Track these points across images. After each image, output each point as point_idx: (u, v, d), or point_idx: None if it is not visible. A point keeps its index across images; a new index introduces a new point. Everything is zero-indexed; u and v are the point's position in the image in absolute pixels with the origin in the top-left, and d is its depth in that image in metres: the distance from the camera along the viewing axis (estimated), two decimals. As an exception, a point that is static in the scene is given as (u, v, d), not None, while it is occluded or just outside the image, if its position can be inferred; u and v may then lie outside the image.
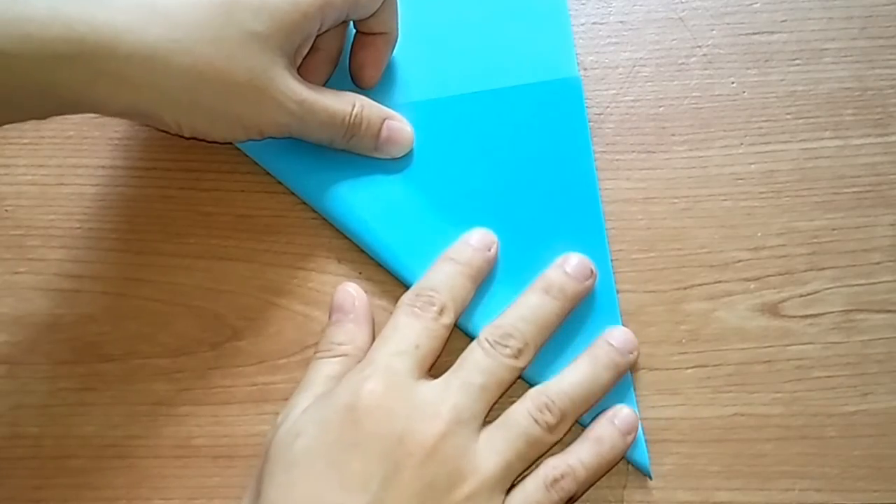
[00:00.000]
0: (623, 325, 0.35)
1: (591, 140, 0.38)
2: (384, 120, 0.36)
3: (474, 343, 0.33)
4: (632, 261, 0.36)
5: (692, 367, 0.35)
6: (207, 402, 0.35)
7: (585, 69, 0.39)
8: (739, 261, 0.36)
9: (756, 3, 0.40)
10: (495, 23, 0.39)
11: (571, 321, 0.35)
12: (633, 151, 0.38)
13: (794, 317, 0.36)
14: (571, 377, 0.33)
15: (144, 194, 0.37)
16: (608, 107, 0.38)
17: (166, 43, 0.30)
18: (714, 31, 0.39)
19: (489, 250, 0.35)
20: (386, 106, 0.37)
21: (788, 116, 0.38)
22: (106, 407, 0.35)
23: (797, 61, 0.39)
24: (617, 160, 0.38)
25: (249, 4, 0.31)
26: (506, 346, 0.32)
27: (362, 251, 0.36)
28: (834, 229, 0.36)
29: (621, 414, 0.33)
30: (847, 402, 0.35)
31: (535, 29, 0.39)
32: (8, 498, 0.34)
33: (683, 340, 0.35)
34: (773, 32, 0.39)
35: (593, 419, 0.34)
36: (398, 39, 0.38)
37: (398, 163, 0.37)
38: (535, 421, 0.31)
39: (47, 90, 0.30)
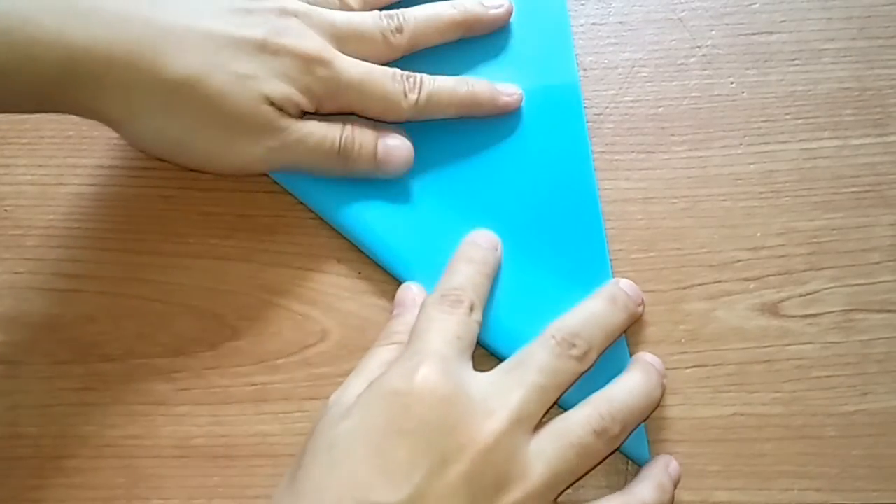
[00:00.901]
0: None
1: (591, 142, 0.38)
2: (378, 138, 0.35)
3: (538, 340, 0.32)
4: (631, 261, 0.36)
5: (692, 367, 0.35)
6: (206, 401, 0.35)
7: (585, 69, 0.39)
8: (739, 261, 0.36)
9: (755, 3, 0.40)
10: (490, 31, 0.39)
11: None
12: (633, 151, 0.38)
13: (794, 317, 0.36)
14: (628, 386, 0.32)
15: (143, 194, 0.37)
16: (607, 107, 0.38)
17: (173, 73, 0.31)
18: (713, 32, 0.39)
19: (496, 250, 0.35)
20: None
21: (788, 117, 0.38)
22: (105, 407, 0.35)
23: (796, 61, 0.39)
24: (616, 160, 0.38)
25: (249, 57, 0.32)
26: (573, 346, 0.31)
27: (362, 251, 0.36)
28: (833, 229, 0.36)
29: (673, 464, 0.33)
30: (846, 402, 0.35)
31: (535, 33, 0.39)
32: (7, 498, 0.34)
33: (683, 340, 0.35)
34: (772, 33, 0.39)
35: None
36: None
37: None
38: (594, 430, 0.30)
39: (43, 101, 0.31)
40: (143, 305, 0.36)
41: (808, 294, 0.36)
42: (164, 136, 0.33)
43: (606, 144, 0.38)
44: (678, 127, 0.38)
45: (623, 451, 0.33)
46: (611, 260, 0.36)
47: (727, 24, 0.39)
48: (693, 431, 0.34)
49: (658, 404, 0.33)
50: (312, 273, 0.36)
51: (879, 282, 0.36)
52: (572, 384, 0.31)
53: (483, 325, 0.33)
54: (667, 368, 0.35)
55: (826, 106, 0.38)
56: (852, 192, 0.37)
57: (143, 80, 0.31)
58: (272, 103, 0.33)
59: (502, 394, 0.30)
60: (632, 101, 0.38)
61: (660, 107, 0.38)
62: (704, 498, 0.34)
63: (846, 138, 0.38)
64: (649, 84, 0.39)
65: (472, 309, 0.32)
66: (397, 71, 0.35)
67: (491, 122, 0.37)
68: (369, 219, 0.36)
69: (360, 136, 0.35)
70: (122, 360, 0.35)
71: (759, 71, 0.39)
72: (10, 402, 0.35)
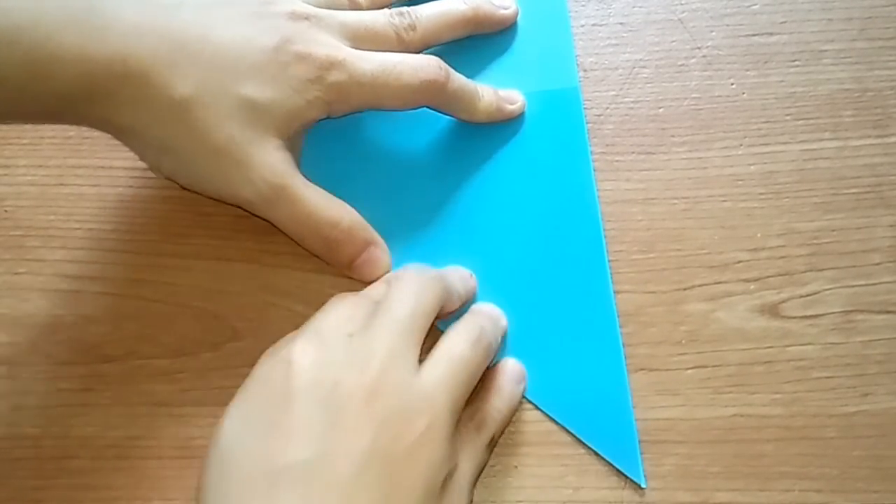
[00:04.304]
0: (622, 325, 0.35)
1: (591, 142, 0.38)
2: (369, 245, 0.35)
3: (393, 279, 0.32)
4: (631, 261, 0.36)
5: (692, 368, 0.35)
6: (208, 402, 0.35)
7: (585, 70, 0.39)
8: (739, 262, 0.36)
9: (755, 4, 0.40)
10: (496, 31, 0.39)
11: (567, 326, 0.35)
12: (633, 152, 0.38)
13: (794, 317, 0.36)
14: (481, 305, 0.35)
15: (144, 195, 0.37)
16: (608, 108, 0.38)
17: (181, 92, 0.31)
18: (713, 33, 0.39)
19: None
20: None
21: (788, 118, 0.38)
22: (106, 407, 0.35)
23: (796, 63, 0.39)
24: (616, 161, 0.38)
25: (259, 71, 0.31)
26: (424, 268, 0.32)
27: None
28: (834, 230, 0.37)
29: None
30: (847, 403, 0.35)
31: (535, 38, 0.39)
32: (8, 498, 0.34)
33: (683, 341, 0.35)
34: (772, 34, 0.39)
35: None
36: None
37: (394, 169, 0.37)
38: (471, 343, 0.31)
39: (53, 115, 0.32)
40: (144, 306, 0.36)
41: (808, 295, 0.36)
42: (165, 153, 0.32)
43: (607, 145, 0.38)
44: (678, 128, 0.38)
45: (617, 467, 0.34)
46: (610, 261, 0.36)
47: (727, 26, 0.39)
48: (693, 432, 0.34)
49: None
50: (314, 274, 0.36)
51: (880, 283, 0.36)
52: (438, 307, 0.31)
53: None
54: (667, 370, 0.35)
55: (826, 107, 0.38)
56: (852, 193, 0.37)
57: (153, 96, 0.30)
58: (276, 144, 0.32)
59: (372, 339, 0.29)
60: (632, 102, 0.38)
61: (660, 108, 0.38)
62: (705, 499, 0.34)
63: (846, 139, 0.38)
64: (650, 85, 0.39)
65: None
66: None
67: (489, 128, 0.37)
68: (369, 220, 0.36)
69: (354, 235, 0.35)
70: (123, 360, 0.35)
71: (760, 72, 0.39)
72: (11, 402, 0.35)
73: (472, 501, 0.30)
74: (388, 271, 0.36)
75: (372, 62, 0.33)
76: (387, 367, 0.28)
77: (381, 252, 0.35)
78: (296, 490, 0.26)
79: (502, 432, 0.34)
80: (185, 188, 0.35)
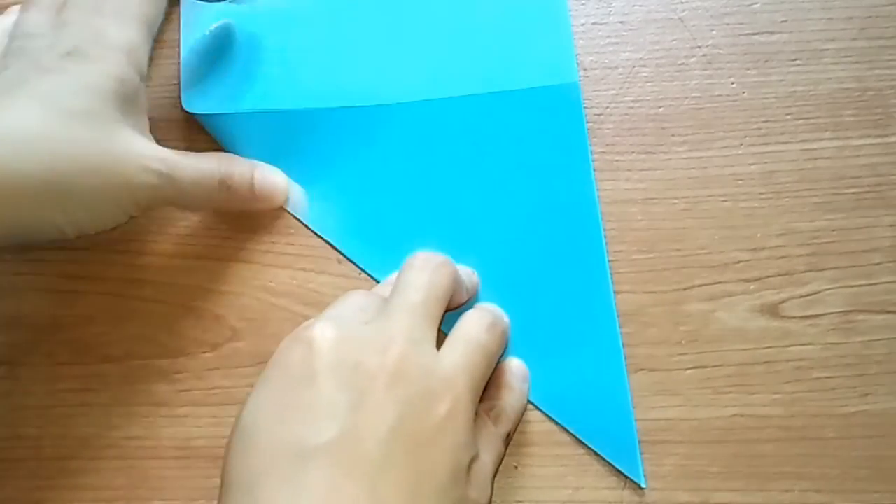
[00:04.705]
0: (622, 325, 0.35)
1: (591, 142, 0.37)
2: (254, 169, 0.36)
3: (404, 265, 0.32)
4: (631, 262, 0.36)
5: (692, 368, 0.35)
6: (207, 402, 0.35)
7: (585, 69, 0.39)
8: (739, 261, 0.36)
9: (756, 3, 0.40)
10: (495, 26, 0.39)
11: (567, 326, 0.35)
12: (633, 152, 0.38)
13: (794, 317, 0.35)
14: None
15: (144, 195, 0.37)
16: (608, 107, 0.38)
17: (18, 166, 0.29)
18: (714, 32, 0.39)
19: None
20: (382, 105, 0.37)
21: (788, 117, 0.38)
22: (106, 408, 0.35)
23: (797, 62, 0.39)
24: (616, 161, 0.38)
25: (66, 87, 0.30)
26: (436, 256, 0.32)
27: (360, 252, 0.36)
28: (834, 230, 0.36)
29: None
30: (847, 403, 0.35)
31: (535, 33, 0.39)
32: (8, 499, 0.34)
33: (683, 341, 0.35)
34: (772, 33, 0.39)
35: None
36: None
37: (393, 164, 0.37)
38: (486, 328, 0.31)
39: None
40: (143, 306, 0.36)
41: (808, 295, 0.36)
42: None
43: (607, 145, 0.38)
44: (679, 127, 0.38)
45: (617, 467, 0.34)
46: (610, 261, 0.36)
47: (728, 24, 0.39)
48: (693, 432, 0.34)
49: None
50: (313, 274, 0.36)
51: (880, 283, 0.36)
52: (451, 291, 0.32)
53: None
54: (667, 370, 0.35)
55: (827, 106, 0.38)
56: (853, 192, 0.37)
57: None
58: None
59: (390, 323, 0.29)
60: (632, 102, 0.38)
61: (660, 107, 0.38)
62: (704, 499, 0.34)
63: (847, 139, 0.38)
64: (650, 84, 0.39)
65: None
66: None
67: (488, 123, 0.37)
68: (367, 221, 0.36)
69: (237, 166, 0.35)
70: (122, 361, 0.35)
71: (760, 71, 0.39)
72: (11, 403, 0.35)
73: (491, 498, 0.30)
74: (285, 186, 0.36)
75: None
76: (407, 350, 0.28)
77: (269, 172, 0.36)
78: (322, 469, 0.26)
79: (516, 429, 0.34)
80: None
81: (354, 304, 0.31)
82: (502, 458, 0.32)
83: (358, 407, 0.27)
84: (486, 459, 0.30)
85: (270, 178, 0.36)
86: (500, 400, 0.33)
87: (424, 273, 0.31)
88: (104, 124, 0.31)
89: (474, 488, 0.28)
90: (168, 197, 0.33)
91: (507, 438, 0.33)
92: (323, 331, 0.29)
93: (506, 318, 0.35)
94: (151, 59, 0.34)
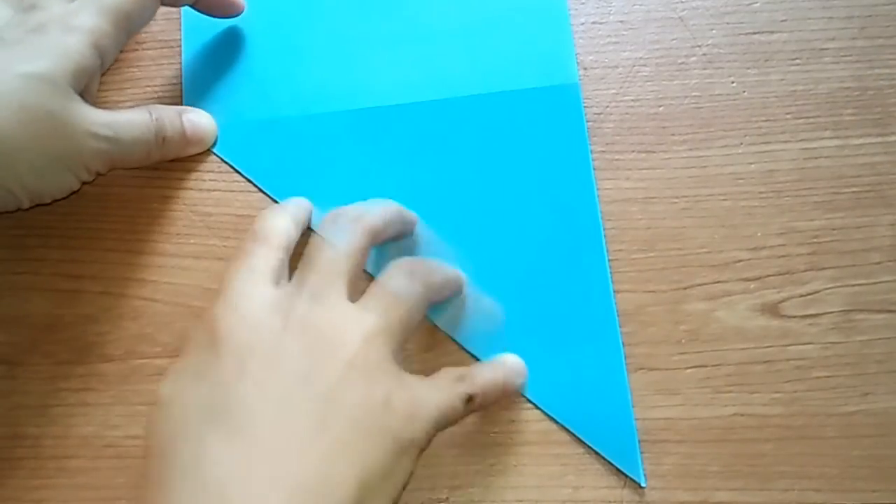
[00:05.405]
0: (622, 325, 0.35)
1: (591, 141, 0.37)
2: (181, 115, 0.37)
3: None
4: (631, 261, 0.36)
5: (692, 367, 0.35)
6: (207, 402, 0.35)
7: (585, 69, 0.39)
8: (739, 261, 0.36)
9: (756, 2, 0.40)
10: (495, 26, 0.39)
11: (567, 325, 0.35)
12: (633, 151, 0.38)
13: (794, 317, 0.35)
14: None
15: (144, 194, 0.37)
16: (608, 106, 0.38)
17: None
18: (714, 31, 0.39)
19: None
20: (383, 107, 0.37)
21: (788, 116, 0.38)
22: (106, 407, 0.35)
23: (797, 61, 0.39)
24: (616, 160, 0.38)
25: (22, 55, 0.31)
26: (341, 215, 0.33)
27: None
28: (834, 229, 0.36)
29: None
30: (847, 403, 0.35)
31: (534, 33, 0.39)
32: (7, 498, 0.34)
33: (683, 340, 0.35)
34: (773, 32, 0.39)
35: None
36: None
37: (394, 165, 0.37)
38: (405, 274, 0.32)
39: None
40: (143, 306, 0.36)
41: (808, 294, 0.36)
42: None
43: (607, 144, 0.38)
44: (679, 126, 0.38)
45: (617, 466, 0.34)
46: (610, 261, 0.36)
47: (728, 24, 0.39)
48: (693, 431, 0.34)
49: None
50: (313, 273, 0.36)
51: (880, 282, 0.36)
52: (364, 243, 0.32)
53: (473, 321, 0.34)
54: (667, 369, 0.35)
55: (827, 105, 0.38)
56: (853, 192, 0.37)
57: None
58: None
59: (290, 290, 0.31)
60: (632, 101, 0.38)
61: (660, 106, 0.38)
62: (704, 498, 0.34)
63: (847, 138, 0.38)
64: (650, 83, 0.39)
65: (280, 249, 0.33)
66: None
67: (488, 123, 0.37)
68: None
69: (166, 114, 0.36)
70: (122, 360, 0.35)
71: (760, 70, 0.39)
72: (11, 402, 0.35)
73: (432, 437, 0.30)
74: (214, 127, 0.38)
75: None
76: (311, 304, 0.30)
77: (195, 114, 0.37)
78: (223, 426, 0.28)
79: (488, 403, 0.32)
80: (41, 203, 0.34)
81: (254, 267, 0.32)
82: (456, 417, 0.31)
83: (262, 359, 0.29)
84: (424, 397, 0.30)
85: (199, 121, 0.37)
86: (473, 368, 0.33)
87: (334, 233, 0.32)
88: (55, 92, 0.31)
89: (398, 419, 0.29)
90: (115, 159, 0.34)
91: (471, 402, 0.31)
92: (224, 310, 0.30)
93: (445, 270, 0.34)
94: (151, 59, 0.34)
